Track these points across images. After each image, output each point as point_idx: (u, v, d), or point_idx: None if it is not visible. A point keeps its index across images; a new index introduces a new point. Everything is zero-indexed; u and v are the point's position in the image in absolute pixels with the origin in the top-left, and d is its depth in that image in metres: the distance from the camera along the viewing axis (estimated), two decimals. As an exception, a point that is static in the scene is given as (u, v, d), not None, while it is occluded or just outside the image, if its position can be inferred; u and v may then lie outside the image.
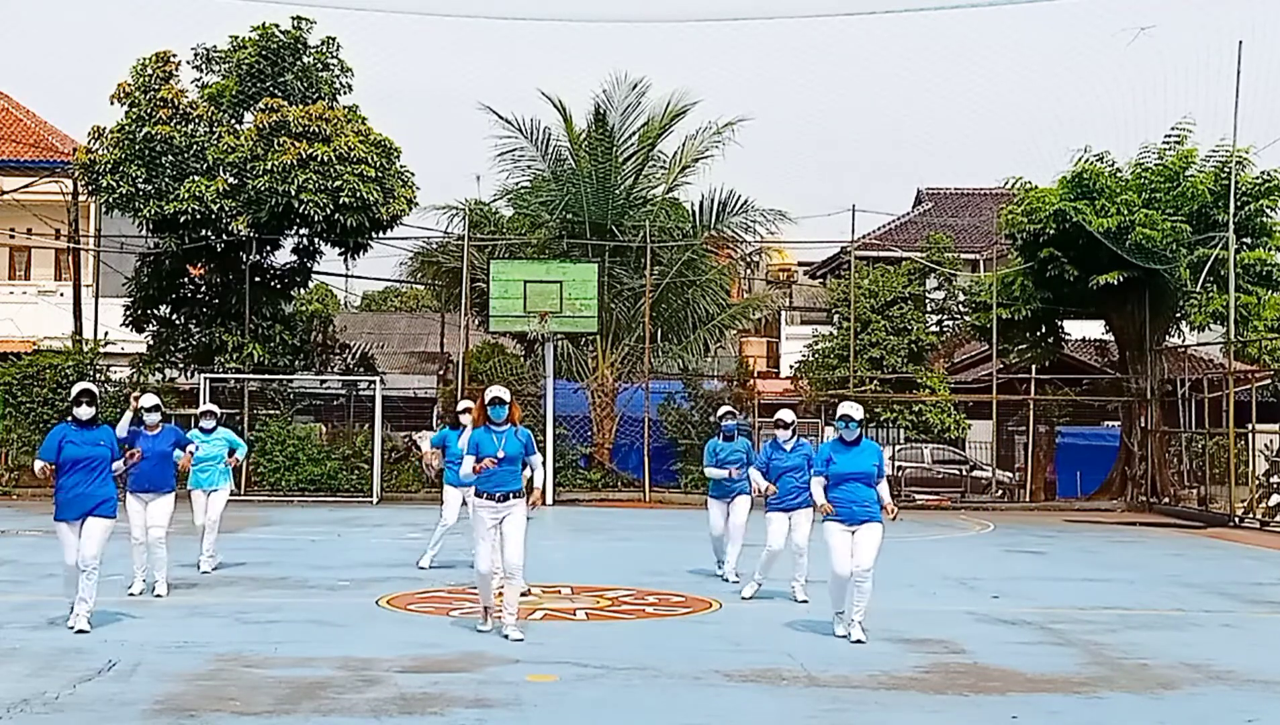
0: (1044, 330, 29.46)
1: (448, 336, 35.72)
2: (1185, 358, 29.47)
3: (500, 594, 10.33)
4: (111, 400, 24.05)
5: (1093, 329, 31.34)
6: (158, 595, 12.04)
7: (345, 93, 28.44)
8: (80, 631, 9.98)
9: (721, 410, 14.49)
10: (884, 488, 10.48)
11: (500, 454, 9.97)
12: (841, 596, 10.32)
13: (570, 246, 29.49)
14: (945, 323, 32.99)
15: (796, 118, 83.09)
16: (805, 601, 11.92)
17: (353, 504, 25.80)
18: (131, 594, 11.92)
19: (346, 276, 35.99)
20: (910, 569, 14.88)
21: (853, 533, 10.20)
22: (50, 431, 10.61)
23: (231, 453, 14.38)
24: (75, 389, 10.57)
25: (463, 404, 12.27)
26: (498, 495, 10.09)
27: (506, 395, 10.29)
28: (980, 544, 20.24)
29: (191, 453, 12.68)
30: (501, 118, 30.26)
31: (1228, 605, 13.11)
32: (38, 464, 10.45)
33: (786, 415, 12.57)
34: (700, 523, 22.41)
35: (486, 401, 10.22)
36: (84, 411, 10.28)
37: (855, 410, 10.46)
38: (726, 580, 13.60)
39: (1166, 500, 27.48)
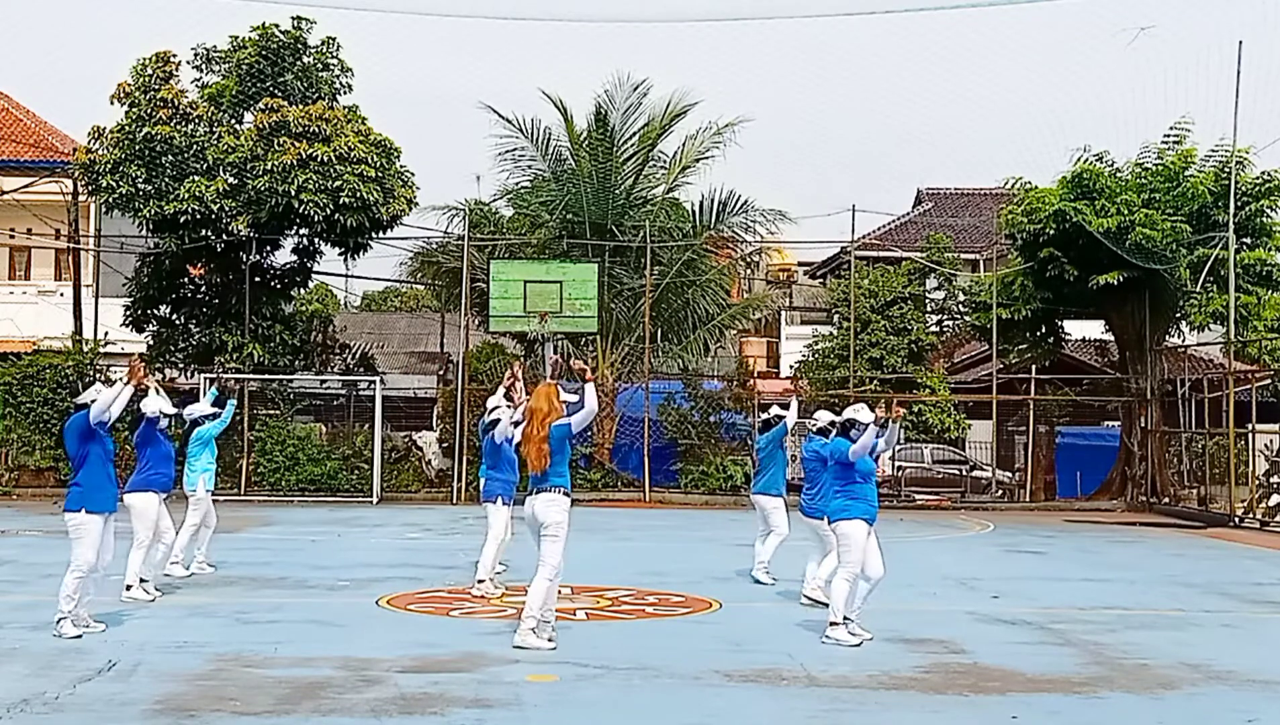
0: (1044, 330, 29.45)
1: (448, 336, 35.71)
2: (1185, 358, 29.45)
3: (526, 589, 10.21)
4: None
5: (1093, 329, 31.33)
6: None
7: (345, 93, 28.43)
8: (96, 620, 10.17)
9: (825, 418, 12.21)
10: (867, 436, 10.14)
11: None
12: (855, 598, 10.14)
13: (570, 246, 29.47)
14: (945, 323, 33.00)
15: (796, 118, 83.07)
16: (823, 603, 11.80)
17: (353, 504, 25.80)
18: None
19: (346, 276, 35.96)
20: (910, 569, 14.86)
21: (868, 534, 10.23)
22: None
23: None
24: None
25: (492, 402, 12.10)
26: (534, 491, 10.00)
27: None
28: (980, 544, 20.23)
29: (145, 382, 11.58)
30: (502, 117, 30.24)
31: (1228, 605, 13.10)
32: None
33: (823, 416, 12.37)
34: (700, 523, 22.73)
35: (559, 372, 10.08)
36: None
37: (863, 412, 10.43)
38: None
39: (1166, 500, 27.47)
